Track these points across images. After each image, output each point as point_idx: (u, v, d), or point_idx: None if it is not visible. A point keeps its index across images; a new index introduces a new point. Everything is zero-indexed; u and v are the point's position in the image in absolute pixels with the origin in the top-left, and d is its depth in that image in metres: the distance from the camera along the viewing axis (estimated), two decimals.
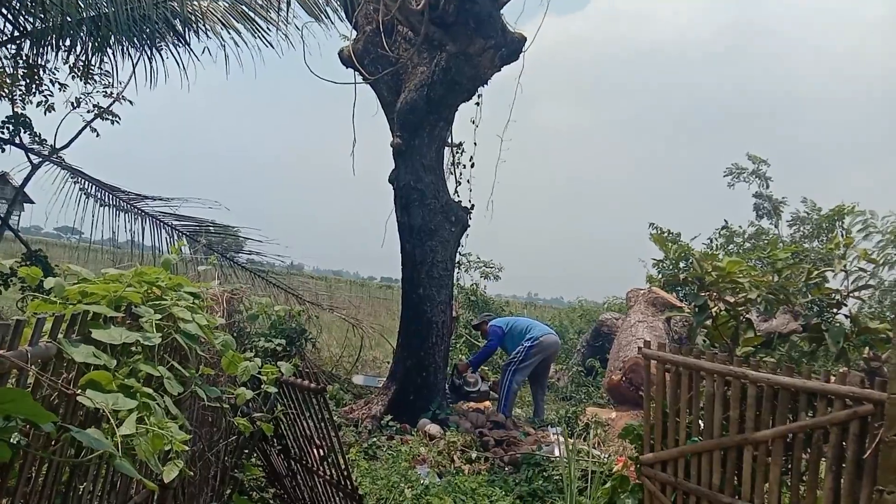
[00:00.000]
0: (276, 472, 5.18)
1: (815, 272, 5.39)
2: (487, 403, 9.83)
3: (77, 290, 2.69)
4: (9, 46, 9.09)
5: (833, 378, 3.33)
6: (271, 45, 9.44)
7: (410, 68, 8.60)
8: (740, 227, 16.48)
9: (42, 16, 7.76)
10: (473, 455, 7.01)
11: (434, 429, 7.58)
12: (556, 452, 7.09)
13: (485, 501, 5.52)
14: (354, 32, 9.30)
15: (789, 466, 3.55)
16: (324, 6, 9.91)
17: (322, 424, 4.39)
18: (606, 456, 6.74)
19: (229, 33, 9.31)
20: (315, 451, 4.63)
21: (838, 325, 5.20)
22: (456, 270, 9.20)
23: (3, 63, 9.67)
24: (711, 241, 15.66)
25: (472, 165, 9.56)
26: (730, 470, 3.79)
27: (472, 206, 9.31)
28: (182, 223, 10.33)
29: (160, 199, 10.26)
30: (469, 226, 8.99)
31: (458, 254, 9.23)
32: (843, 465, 3.21)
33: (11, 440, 1.90)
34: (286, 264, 12.37)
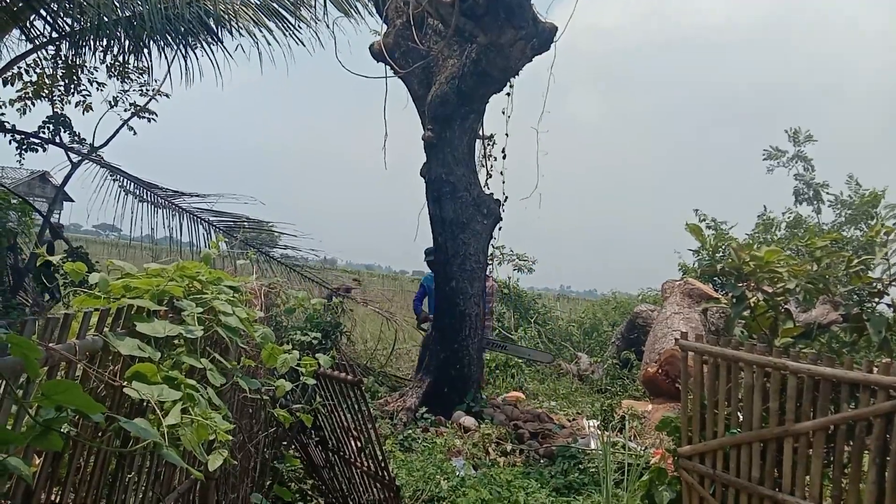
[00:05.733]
0: (314, 464, 5.25)
1: (856, 260, 5.28)
2: (520, 395, 9.81)
3: (120, 284, 2.75)
4: (48, 48, 9.30)
5: (876, 368, 3.26)
6: (302, 43, 9.54)
7: (441, 61, 8.58)
8: (773, 213, 16.15)
9: (79, 17, 7.90)
10: (508, 447, 7.02)
11: (469, 421, 7.60)
12: (592, 445, 7.06)
13: (520, 493, 5.52)
14: (385, 26, 9.31)
15: (831, 458, 3.49)
16: (354, 1, 9.97)
17: (359, 416, 4.43)
18: (643, 448, 6.70)
19: (261, 31, 9.42)
20: (352, 442, 4.68)
21: (880, 314, 5.09)
22: (489, 263, 9.16)
23: (42, 64, 9.91)
24: (754, 232, 15.39)
25: (504, 157, 9.49)
26: (770, 462, 3.75)
27: (506, 197, 9.27)
28: (219, 219, 10.47)
29: (197, 196, 10.41)
30: (501, 218, 8.96)
31: (490, 246, 9.20)
32: (888, 458, 3.16)
33: (62, 430, 1.95)
34: (319, 258, 12.50)
